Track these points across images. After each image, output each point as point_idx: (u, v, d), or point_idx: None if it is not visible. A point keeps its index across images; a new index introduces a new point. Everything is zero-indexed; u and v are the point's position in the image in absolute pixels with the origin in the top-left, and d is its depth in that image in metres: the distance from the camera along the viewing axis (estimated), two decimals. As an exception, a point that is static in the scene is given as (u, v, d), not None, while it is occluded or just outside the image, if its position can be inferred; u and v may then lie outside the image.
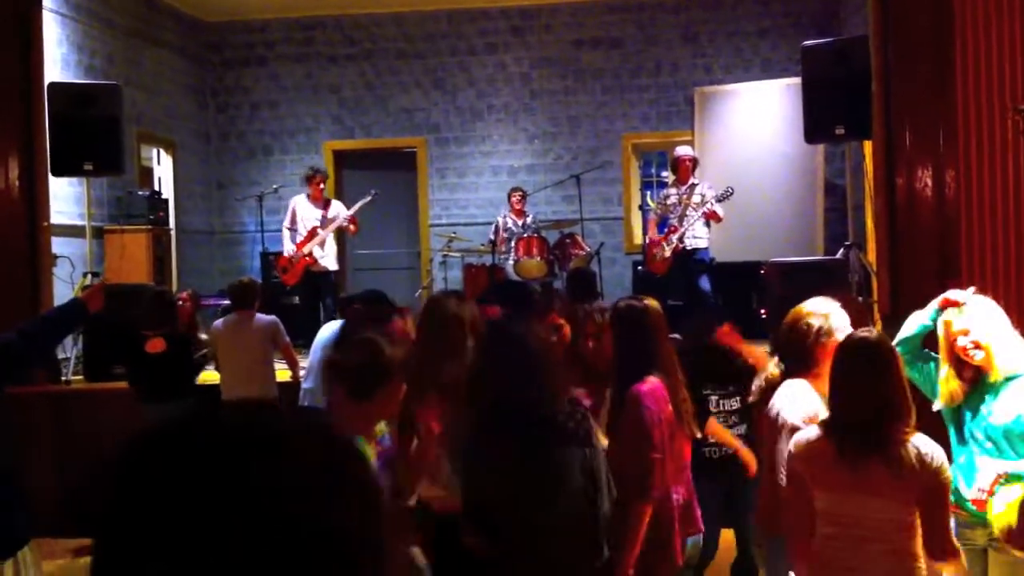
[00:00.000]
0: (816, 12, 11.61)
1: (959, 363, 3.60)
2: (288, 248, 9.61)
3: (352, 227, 9.69)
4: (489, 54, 12.31)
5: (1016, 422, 3.47)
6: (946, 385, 3.62)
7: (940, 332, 3.66)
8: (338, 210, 9.74)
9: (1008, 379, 3.54)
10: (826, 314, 3.63)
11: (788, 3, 11.76)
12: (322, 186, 9.76)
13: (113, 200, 9.95)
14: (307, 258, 9.46)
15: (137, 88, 10.65)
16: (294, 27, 12.50)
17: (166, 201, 10.73)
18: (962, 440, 3.62)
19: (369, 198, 9.94)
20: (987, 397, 3.57)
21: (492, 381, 3.21)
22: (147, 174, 11.32)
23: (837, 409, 3.13)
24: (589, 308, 4.40)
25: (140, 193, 10.06)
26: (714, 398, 4.94)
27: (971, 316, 3.59)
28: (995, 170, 5.69)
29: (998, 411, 3.52)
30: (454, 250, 10.89)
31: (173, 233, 10.85)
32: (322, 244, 9.56)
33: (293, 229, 9.65)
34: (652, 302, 3.83)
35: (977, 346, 3.54)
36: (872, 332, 3.26)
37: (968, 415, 3.61)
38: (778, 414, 3.55)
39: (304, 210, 9.68)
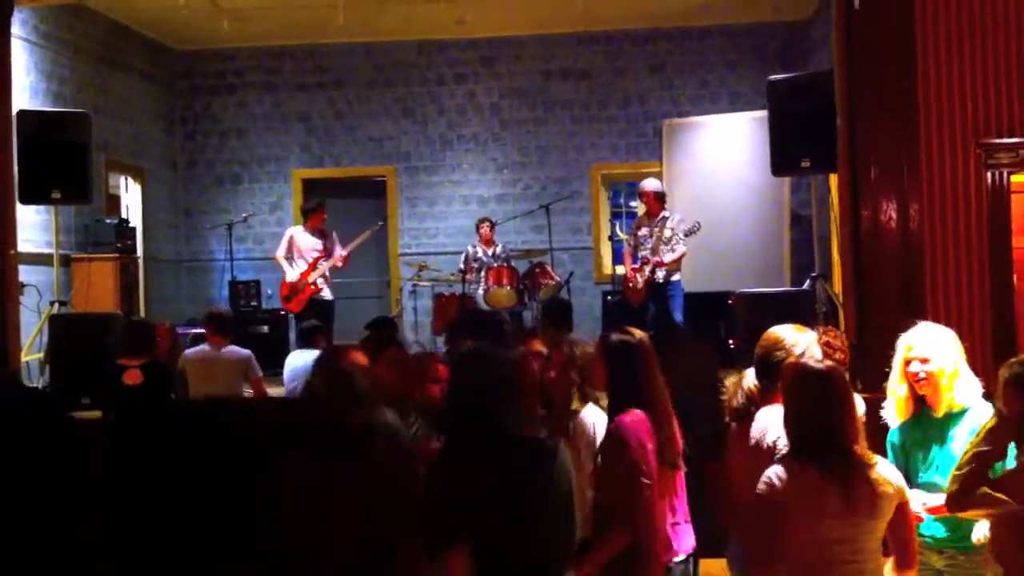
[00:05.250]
0: (782, 46, 11.80)
1: (912, 385, 3.70)
2: (291, 276, 9.55)
3: (340, 264, 9.69)
4: (459, 84, 12.38)
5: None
6: (901, 404, 3.73)
7: (899, 354, 3.72)
8: (336, 240, 9.74)
9: (961, 412, 3.62)
10: (805, 349, 3.64)
11: (754, 37, 11.94)
12: (324, 217, 9.76)
13: (81, 228, 9.88)
14: (312, 287, 9.44)
15: (105, 116, 10.61)
16: (263, 55, 12.51)
17: (134, 229, 10.67)
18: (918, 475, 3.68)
19: (370, 232, 9.98)
20: (938, 435, 3.64)
21: (461, 401, 3.23)
22: (115, 202, 11.26)
23: (810, 436, 3.13)
24: (566, 339, 4.40)
25: (108, 221, 10.01)
26: None
27: (931, 345, 3.66)
28: (958, 203, 5.81)
29: (959, 436, 3.57)
30: (424, 279, 10.88)
31: (141, 261, 10.78)
32: (326, 273, 9.57)
33: (290, 259, 9.61)
34: (641, 335, 3.84)
35: (928, 376, 3.63)
36: (824, 361, 3.36)
37: (920, 455, 3.68)
38: (777, 439, 3.46)
39: (304, 241, 9.63)
